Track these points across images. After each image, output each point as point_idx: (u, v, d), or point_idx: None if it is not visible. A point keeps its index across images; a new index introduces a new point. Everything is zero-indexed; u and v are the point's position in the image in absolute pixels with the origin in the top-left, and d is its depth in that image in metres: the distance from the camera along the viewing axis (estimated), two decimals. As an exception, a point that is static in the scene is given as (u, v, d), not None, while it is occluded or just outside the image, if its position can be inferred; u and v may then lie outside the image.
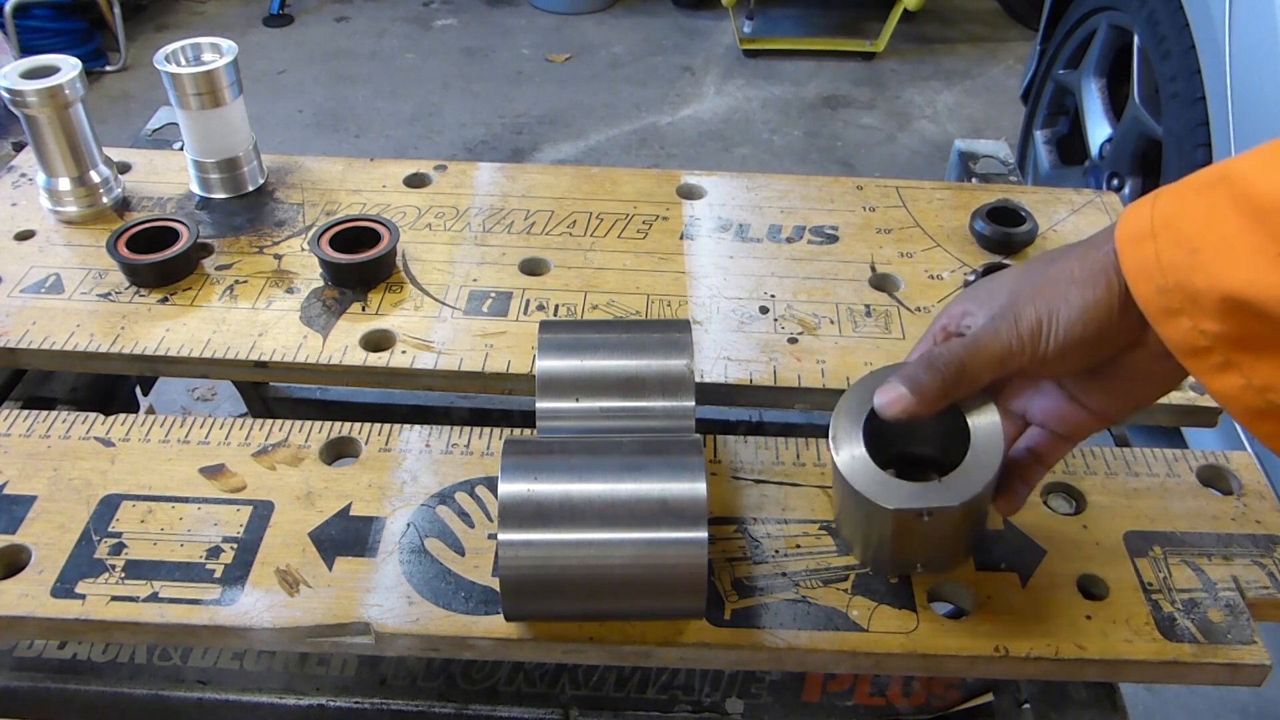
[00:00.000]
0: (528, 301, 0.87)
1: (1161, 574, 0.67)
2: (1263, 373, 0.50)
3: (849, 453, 0.61)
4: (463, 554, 0.68)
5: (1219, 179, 0.50)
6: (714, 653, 0.64)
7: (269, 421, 0.77)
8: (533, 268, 0.92)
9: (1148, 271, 0.52)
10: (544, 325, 0.72)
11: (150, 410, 1.00)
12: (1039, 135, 2.56)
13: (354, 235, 0.90)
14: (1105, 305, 0.54)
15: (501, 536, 0.59)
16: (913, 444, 0.67)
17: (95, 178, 0.95)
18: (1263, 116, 1.73)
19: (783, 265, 0.92)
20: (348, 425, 0.77)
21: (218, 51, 0.96)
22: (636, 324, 0.72)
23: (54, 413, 0.78)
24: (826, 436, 0.69)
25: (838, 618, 0.65)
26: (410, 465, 0.74)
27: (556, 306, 0.87)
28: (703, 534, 0.59)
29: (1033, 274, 0.59)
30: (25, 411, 0.78)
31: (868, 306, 0.87)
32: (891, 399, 0.59)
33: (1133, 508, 0.72)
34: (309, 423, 0.77)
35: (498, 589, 0.64)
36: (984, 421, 0.61)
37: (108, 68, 3.67)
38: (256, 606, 0.65)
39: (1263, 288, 0.47)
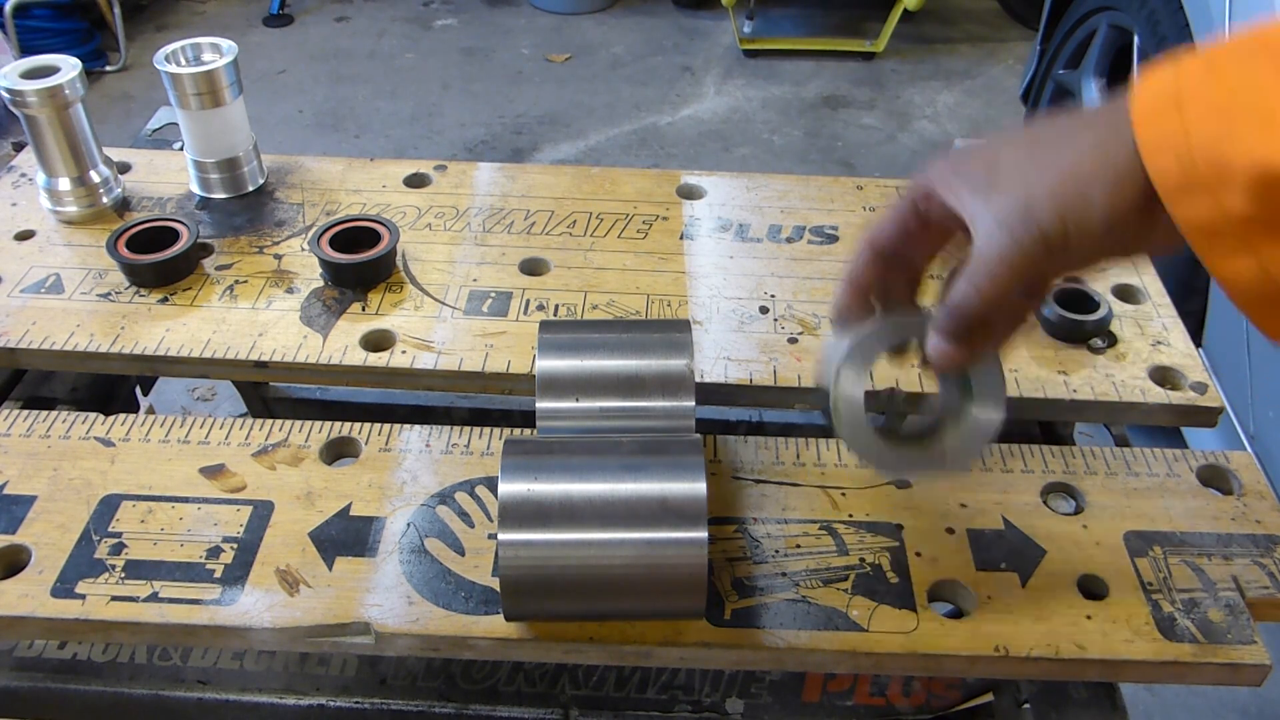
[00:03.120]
0: (528, 301, 0.87)
1: (1161, 574, 0.67)
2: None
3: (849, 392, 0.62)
4: (463, 554, 0.68)
5: (1259, 48, 0.47)
6: (714, 653, 0.64)
7: (269, 421, 0.77)
8: (533, 268, 0.92)
9: (1171, 143, 0.48)
10: (544, 325, 0.72)
11: (150, 410, 1.00)
12: (1039, 135, 2.56)
13: (354, 235, 0.90)
14: (1135, 208, 0.50)
15: (501, 536, 0.59)
16: None
17: (95, 178, 0.95)
18: (1263, 116, 1.73)
19: (783, 265, 0.92)
20: (348, 425, 0.77)
21: (218, 51, 0.96)
22: (636, 324, 0.72)
23: (54, 413, 0.78)
24: (826, 436, 0.69)
25: (838, 618, 0.65)
26: (410, 465, 0.74)
27: (556, 306, 0.87)
28: (703, 534, 0.59)
29: (1043, 164, 0.52)
30: (25, 411, 0.78)
31: (868, 306, 0.87)
32: (938, 352, 0.58)
33: (1133, 508, 0.72)
34: (309, 423, 0.77)
35: (498, 589, 0.64)
36: (985, 371, 0.62)
37: (108, 68, 3.67)
38: (256, 606, 0.65)
39: None
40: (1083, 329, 0.83)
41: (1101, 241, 0.52)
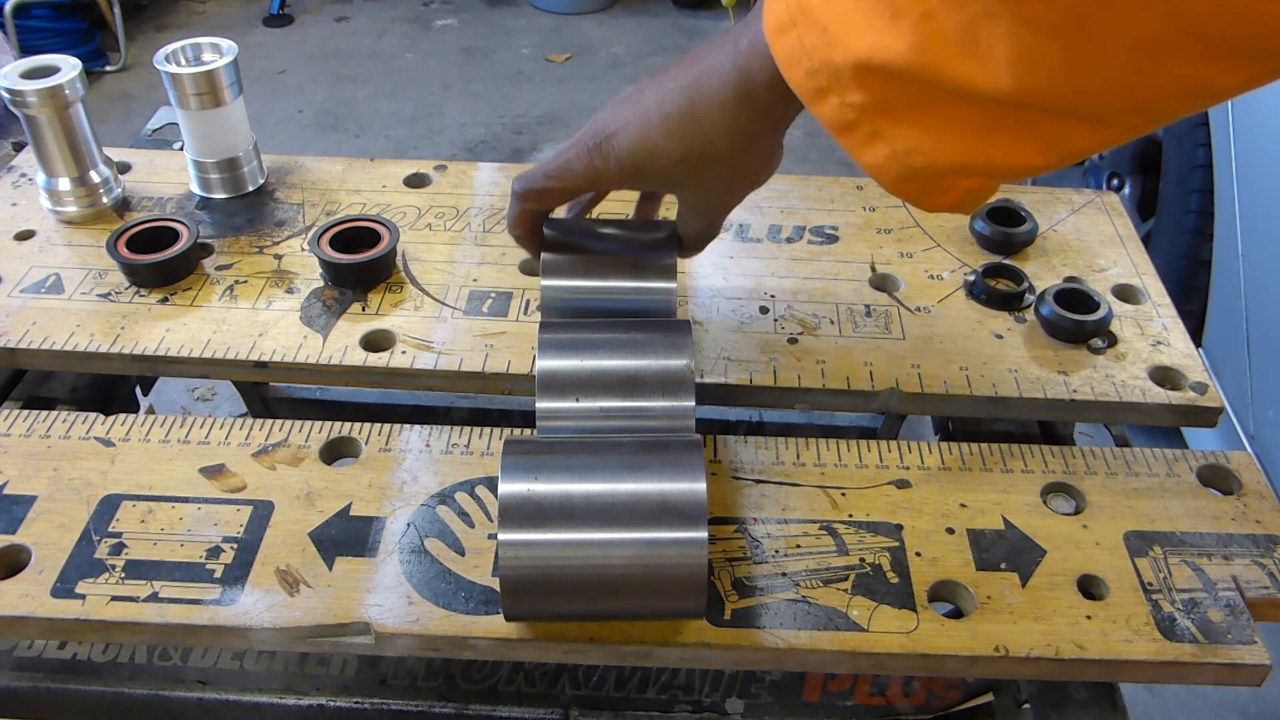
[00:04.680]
0: (528, 301, 0.87)
1: (1161, 574, 0.67)
2: (902, 138, 0.54)
3: None
4: (463, 554, 0.68)
5: None
6: (714, 653, 0.64)
7: (269, 421, 0.77)
8: (533, 268, 0.91)
9: (796, 57, 0.55)
10: (544, 325, 0.72)
11: (150, 410, 1.00)
12: (1039, 135, 2.56)
13: (354, 235, 0.90)
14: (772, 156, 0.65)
15: (501, 536, 0.59)
16: None
17: (95, 178, 0.95)
18: (1262, 115, 1.73)
19: (783, 265, 0.92)
20: (348, 425, 0.77)
21: (218, 51, 0.96)
22: (636, 324, 0.72)
23: (54, 413, 0.78)
24: (826, 436, 0.69)
25: (838, 618, 0.65)
26: (410, 465, 0.74)
27: (556, 306, 0.87)
28: (703, 534, 0.59)
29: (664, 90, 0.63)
30: (25, 411, 0.78)
31: (868, 306, 0.87)
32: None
33: (1133, 508, 0.72)
34: (309, 423, 0.77)
35: (498, 589, 0.64)
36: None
37: (108, 68, 3.67)
38: (256, 606, 0.65)
39: (884, 49, 0.50)
40: (1083, 329, 0.83)
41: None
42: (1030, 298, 0.87)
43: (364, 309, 0.86)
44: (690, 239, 0.75)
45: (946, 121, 0.53)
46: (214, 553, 0.67)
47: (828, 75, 0.54)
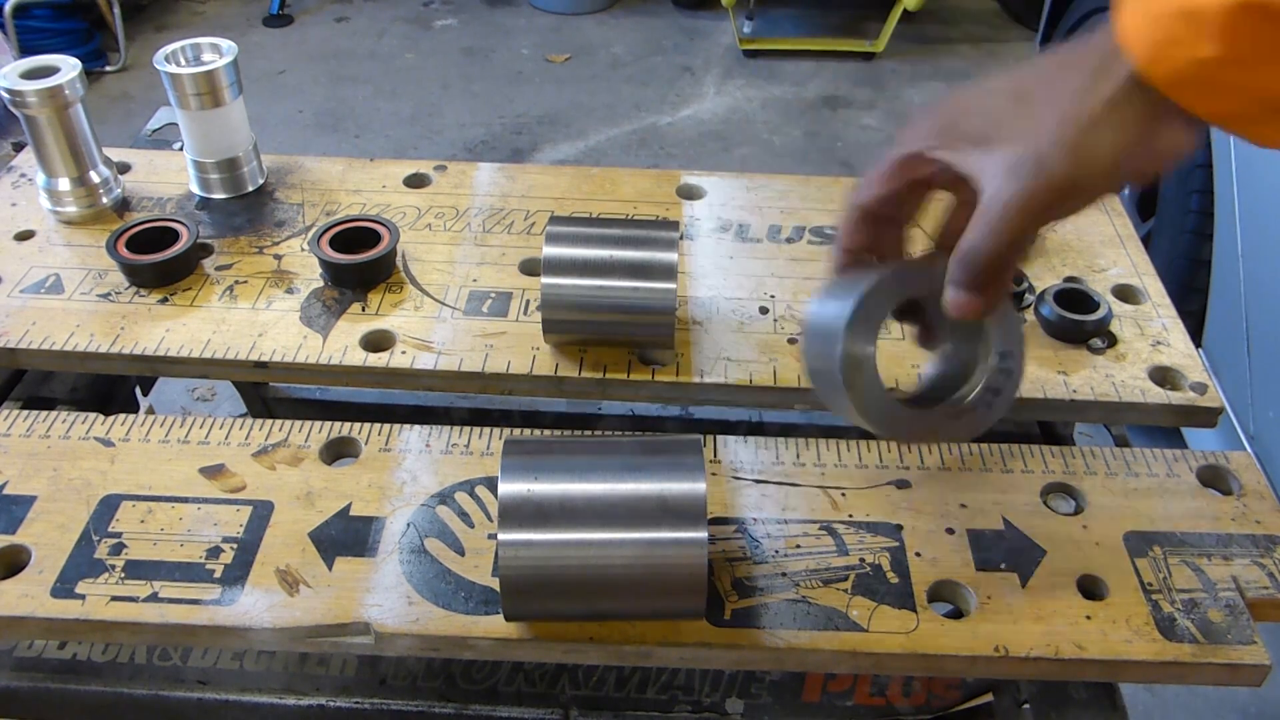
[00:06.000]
0: (528, 302, 0.87)
1: (1161, 574, 0.67)
2: (1263, 84, 0.49)
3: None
4: (463, 554, 0.68)
5: None
6: (714, 653, 0.64)
7: (269, 421, 0.77)
8: (533, 268, 0.92)
9: (1180, 62, 0.49)
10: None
11: (150, 410, 1.00)
12: (1039, 135, 2.56)
13: (354, 235, 0.90)
14: (1137, 136, 0.52)
15: (501, 536, 0.59)
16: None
17: (95, 178, 0.95)
18: (1263, 116, 1.72)
19: (783, 265, 0.92)
20: (348, 425, 0.77)
21: (218, 51, 0.96)
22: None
23: (54, 413, 0.78)
24: (826, 436, 0.69)
25: (838, 618, 0.65)
26: (410, 465, 0.74)
27: (556, 306, 0.87)
28: (702, 534, 0.59)
29: (1041, 114, 0.54)
30: (25, 411, 0.78)
31: (868, 306, 0.87)
32: (958, 303, 0.59)
33: (1133, 508, 0.72)
34: (309, 423, 0.77)
35: (498, 589, 0.64)
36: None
37: (108, 68, 3.67)
38: (256, 606, 0.65)
39: None
40: (1083, 329, 0.83)
41: (1108, 178, 0.54)
42: (1030, 298, 0.87)
43: (364, 309, 0.86)
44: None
45: None
46: (214, 553, 0.67)
47: (1226, 82, 0.49)
